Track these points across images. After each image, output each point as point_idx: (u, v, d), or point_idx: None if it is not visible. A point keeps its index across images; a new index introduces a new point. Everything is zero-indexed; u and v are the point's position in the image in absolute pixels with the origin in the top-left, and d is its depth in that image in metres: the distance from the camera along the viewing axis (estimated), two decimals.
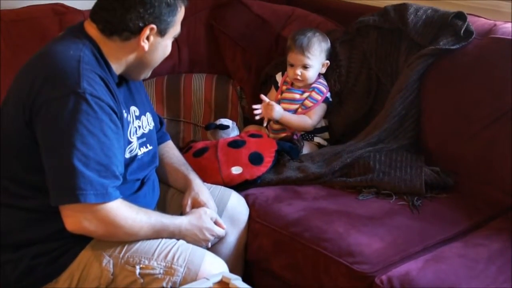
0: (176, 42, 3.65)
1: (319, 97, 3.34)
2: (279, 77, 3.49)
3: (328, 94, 3.38)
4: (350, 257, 2.50)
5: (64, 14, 3.41)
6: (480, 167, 2.95)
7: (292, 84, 3.41)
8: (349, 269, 2.48)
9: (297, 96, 3.36)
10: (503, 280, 2.31)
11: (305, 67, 3.31)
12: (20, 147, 2.27)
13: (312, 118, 3.33)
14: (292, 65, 3.34)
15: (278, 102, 3.40)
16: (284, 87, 3.43)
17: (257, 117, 3.32)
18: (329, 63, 3.38)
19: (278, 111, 3.28)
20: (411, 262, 2.45)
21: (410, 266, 2.42)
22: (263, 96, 3.34)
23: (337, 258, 2.52)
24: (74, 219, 2.21)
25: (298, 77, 3.31)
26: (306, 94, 3.34)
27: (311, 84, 3.36)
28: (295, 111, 3.34)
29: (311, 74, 3.33)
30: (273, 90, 3.50)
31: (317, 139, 3.37)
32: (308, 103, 3.33)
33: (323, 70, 3.39)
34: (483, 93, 2.99)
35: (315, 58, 3.31)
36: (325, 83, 3.39)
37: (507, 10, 3.34)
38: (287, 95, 3.40)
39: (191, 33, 3.74)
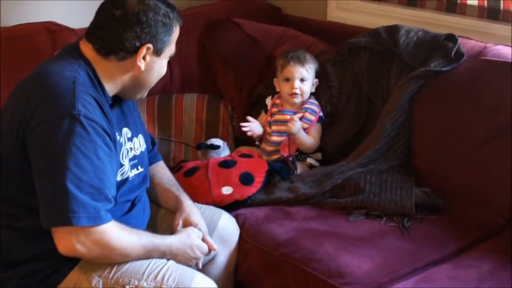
0: (168, 61, 3.67)
1: (313, 117, 3.34)
2: (268, 101, 3.50)
3: (321, 113, 3.38)
4: (340, 278, 2.49)
5: (56, 32, 3.39)
6: (470, 188, 2.95)
7: (282, 105, 3.41)
8: None
9: (289, 117, 3.34)
10: None
11: (302, 80, 3.32)
12: (12, 167, 2.26)
13: (315, 138, 3.35)
14: (288, 80, 3.34)
15: (269, 124, 3.41)
16: (275, 109, 3.44)
17: (249, 134, 3.33)
18: (318, 82, 3.40)
19: (298, 126, 3.25)
20: (401, 283, 2.45)
21: (400, 287, 2.42)
22: (249, 117, 3.36)
23: (327, 279, 2.52)
24: (66, 241, 2.18)
25: (297, 90, 3.31)
26: (298, 115, 3.33)
27: (302, 104, 3.37)
28: (288, 134, 3.32)
29: (307, 88, 3.34)
30: (263, 113, 3.51)
31: (309, 160, 3.36)
32: (303, 124, 3.32)
33: (313, 89, 3.40)
34: (473, 114, 3.00)
35: (310, 71, 3.34)
36: (316, 102, 3.40)
37: (496, 32, 3.36)
38: (278, 117, 3.40)
39: (183, 52, 3.72)
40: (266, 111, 3.49)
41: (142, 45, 2.28)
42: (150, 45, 2.29)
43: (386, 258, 2.58)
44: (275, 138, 3.39)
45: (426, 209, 2.91)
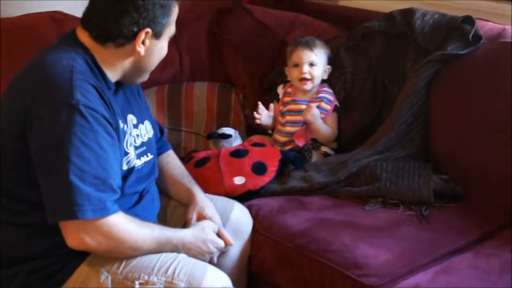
0: (177, 50, 3.63)
1: (328, 107, 3.27)
2: (280, 90, 3.44)
3: (337, 102, 3.32)
4: (357, 270, 2.44)
5: (63, 21, 3.36)
6: (490, 175, 2.88)
7: (295, 94, 3.35)
8: (356, 282, 2.41)
9: (303, 106, 3.27)
10: None
11: (311, 64, 3.26)
12: (13, 162, 2.21)
13: (332, 128, 3.29)
14: (297, 65, 3.28)
15: (282, 114, 3.35)
16: (288, 98, 3.37)
17: (257, 121, 3.29)
18: (331, 68, 3.34)
19: (315, 114, 3.20)
20: (420, 274, 2.39)
21: (419, 278, 2.36)
22: (260, 105, 3.31)
23: (344, 270, 2.46)
24: (75, 235, 2.14)
25: (306, 75, 3.25)
26: (313, 105, 3.24)
27: (317, 94, 3.31)
28: (304, 123, 3.26)
29: (318, 73, 3.27)
30: (275, 103, 3.44)
31: (324, 148, 3.30)
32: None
33: (325, 76, 3.33)
34: (492, 98, 2.93)
35: (320, 56, 3.28)
36: (330, 90, 3.34)
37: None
38: (292, 107, 3.34)
39: (193, 40, 3.71)
40: (278, 100, 3.43)
41: (140, 30, 2.22)
42: (148, 29, 2.23)
43: (404, 248, 2.52)
44: (289, 128, 3.33)
45: (445, 197, 2.85)
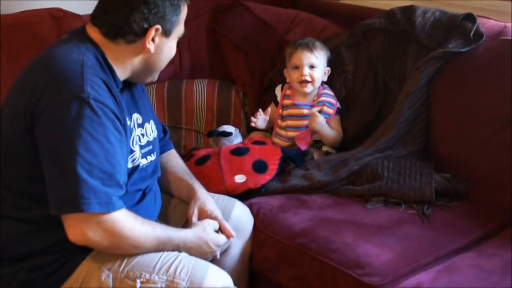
0: (177, 47, 3.62)
1: (331, 111, 3.25)
2: (278, 91, 3.40)
3: (339, 105, 3.30)
4: (358, 269, 2.43)
5: (62, 18, 3.38)
6: (493, 173, 2.87)
7: (295, 97, 3.31)
8: (358, 282, 2.40)
9: (305, 111, 3.25)
10: None
11: (312, 66, 3.22)
12: (19, 154, 2.20)
13: (337, 131, 3.26)
14: (297, 67, 3.24)
15: (282, 118, 3.32)
16: (288, 101, 3.33)
17: (252, 125, 3.29)
18: (330, 70, 3.31)
19: (321, 122, 3.18)
20: (423, 274, 2.37)
21: (421, 277, 2.35)
22: (260, 111, 3.29)
23: (346, 269, 2.45)
24: (77, 229, 2.13)
25: (307, 77, 3.21)
26: (316, 109, 3.22)
27: (318, 97, 3.28)
28: (307, 127, 3.23)
29: (318, 75, 3.24)
30: (273, 105, 3.40)
31: (325, 147, 3.27)
32: None
33: (325, 78, 3.31)
34: (494, 96, 2.92)
35: (320, 58, 3.24)
36: (331, 93, 3.31)
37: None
38: (293, 111, 3.30)
39: (193, 38, 3.70)
40: (275, 102, 3.39)
41: (150, 26, 2.23)
42: (158, 26, 2.24)
43: (406, 247, 2.51)
44: (291, 133, 3.28)
45: (447, 196, 2.84)
